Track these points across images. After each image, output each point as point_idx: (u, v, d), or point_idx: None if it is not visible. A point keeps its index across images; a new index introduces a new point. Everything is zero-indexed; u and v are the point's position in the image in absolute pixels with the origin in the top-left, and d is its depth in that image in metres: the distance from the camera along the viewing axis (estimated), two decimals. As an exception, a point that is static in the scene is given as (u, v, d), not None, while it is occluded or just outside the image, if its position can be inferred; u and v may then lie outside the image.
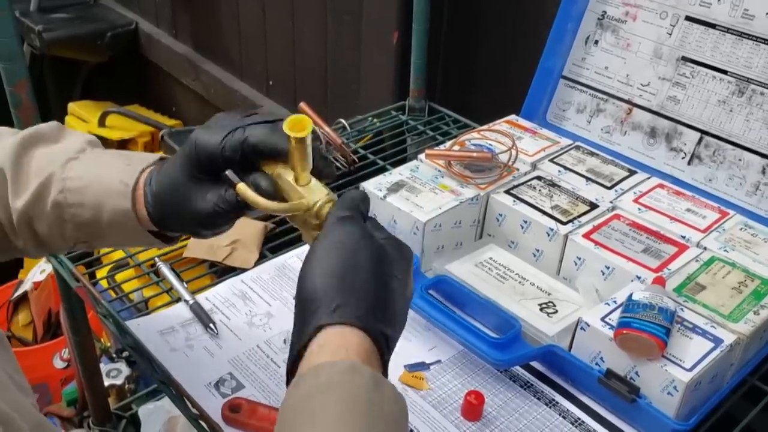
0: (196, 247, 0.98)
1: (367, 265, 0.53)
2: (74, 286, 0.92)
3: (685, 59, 0.96)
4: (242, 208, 0.62)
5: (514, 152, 0.94)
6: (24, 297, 1.82)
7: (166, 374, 0.77)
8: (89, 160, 0.68)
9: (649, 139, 1.00)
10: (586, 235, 0.84)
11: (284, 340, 0.82)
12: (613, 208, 0.89)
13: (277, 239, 0.98)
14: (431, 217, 0.85)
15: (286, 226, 0.98)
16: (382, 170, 1.06)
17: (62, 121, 1.87)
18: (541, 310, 0.81)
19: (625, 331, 0.69)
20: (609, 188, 0.93)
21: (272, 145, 0.59)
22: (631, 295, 0.72)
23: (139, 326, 0.83)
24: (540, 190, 0.91)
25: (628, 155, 1.01)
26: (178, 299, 0.88)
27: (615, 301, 0.75)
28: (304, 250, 0.86)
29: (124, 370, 1.43)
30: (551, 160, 0.97)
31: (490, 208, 0.91)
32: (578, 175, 0.95)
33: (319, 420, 0.46)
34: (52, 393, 1.66)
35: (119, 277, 1.10)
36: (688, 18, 0.95)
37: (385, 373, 0.52)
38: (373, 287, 0.52)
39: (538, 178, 0.94)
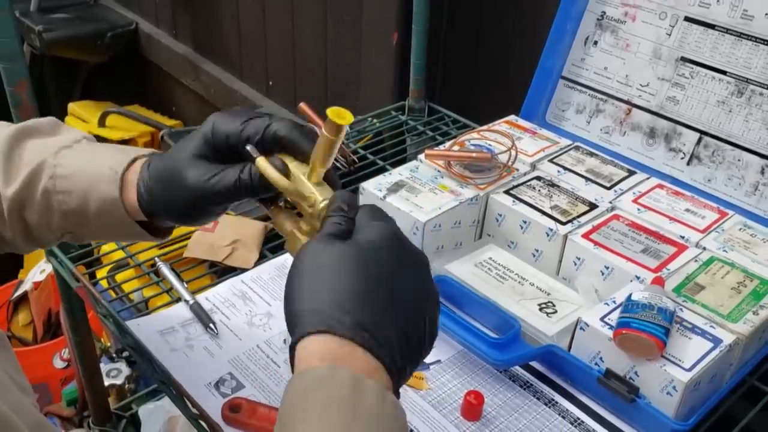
0: (196, 247, 0.98)
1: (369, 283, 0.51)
2: (74, 286, 0.92)
3: (684, 60, 0.96)
4: (252, 189, 0.61)
5: (513, 152, 0.94)
6: (24, 297, 1.82)
7: (166, 374, 0.77)
8: (83, 149, 0.68)
9: (649, 140, 1.00)
10: (586, 235, 0.84)
11: (284, 340, 0.82)
12: (613, 209, 0.89)
13: (277, 239, 0.98)
14: (431, 218, 0.85)
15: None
16: (382, 170, 1.06)
17: (62, 121, 1.87)
18: (540, 310, 0.81)
19: (624, 331, 0.69)
20: (608, 188, 0.93)
21: (294, 138, 0.60)
22: (630, 295, 0.73)
23: (139, 326, 0.83)
24: (539, 191, 0.91)
25: (628, 155, 1.01)
26: (178, 299, 0.88)
27: (614, 301, 0.75)
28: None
29: (124, 370, 1.43)
30: (551, 161, 0.98)
31: (489, 208, 0.91)
32: (577, 175, 0.95)
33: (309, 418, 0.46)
34: (52, 393, 1.66)
35: (119, 277, 1.10)
36: (687, 18, 0.95)
37: (392, 384, 0.50)
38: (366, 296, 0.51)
39: (538, 178, 0.94)
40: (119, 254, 1.01)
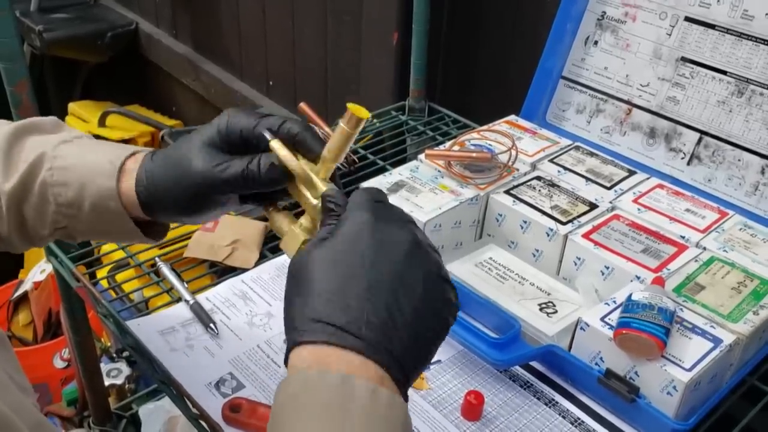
0: (196, 247, 0.98)
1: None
2: (74, 285, 0.92)
3: (684, 60, 0.96)
4: (259, 181, 0.60)
5: (513, 152, 0.94)
6: (24, 297, 1.82)
7: (167, 374, 0.77)
8: (83, 143, 0.68)
9: (649, 140, 1.00)
10: (586, 235, 0.84)
11: (284, 340, 0.82)
12: (613, 209, 0.89)
13: (278, 239, 0.98)
14: (431, 218, 0.85)
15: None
16: (382, 170, 1.06)
17: (62, 120, 1.86)
18: (540, 310, 0.81)
19: (624, 331, 0.69)
20: (608, 188, 0.93)
21: (307, 138, 0.60)
22: (630, 295, 0.73)
23: (139, 326, 0.83)
24: (540, 191, 0.91)
25: (628, 155, 1.01)
26: (179, 299, 0.88)
27: (614, 301, 0.75)
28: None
29: (125, 369, 1.43)
30: (551, 161, 0.98)
31: (489, 208, 0.91)
32: (578, 175, 0.95)
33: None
34: (53, 393, 1.66)
35: (119, 277, 1.10)
36: (687, 18, 0.95)
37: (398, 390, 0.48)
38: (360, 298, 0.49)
39: (538, 178, 0.94)
40: (119, 254, 1.01)
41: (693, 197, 0.92)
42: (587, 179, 0.94)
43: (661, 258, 0.81)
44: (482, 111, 1.22)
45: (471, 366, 0.79)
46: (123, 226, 0.66)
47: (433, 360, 0.78)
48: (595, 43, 1.04)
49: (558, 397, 0.75)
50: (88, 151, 0.67)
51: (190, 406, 0.75)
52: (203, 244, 0.98)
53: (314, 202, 0.59)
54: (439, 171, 0.93)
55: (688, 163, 0.96)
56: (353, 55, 1.47)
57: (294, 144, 0.61)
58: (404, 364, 0.48)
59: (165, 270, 0.92)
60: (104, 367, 1.40)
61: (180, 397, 0.76)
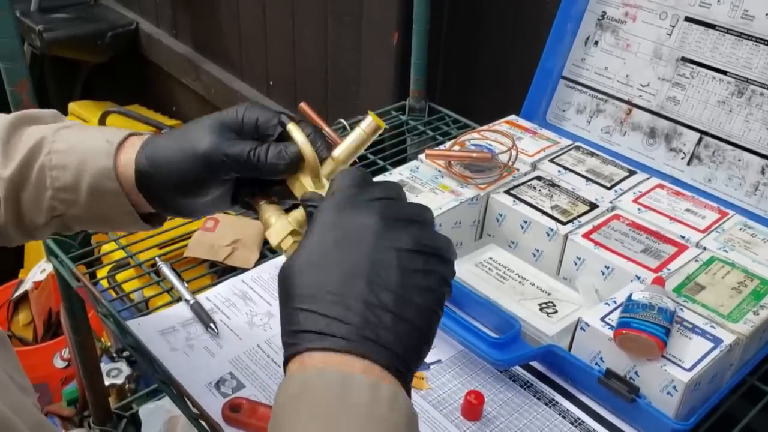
0: (196, 247, 0.98)
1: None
2: (75, 285, 0.92)
3: (684, 60, 0.96)
4: (263, 166, 0.60)
5: (514, 152, 0.94)
6: (24, 297, 1.82)
7: (167, 374, 0.77)
8: (84, 128, 0.67)
9: (649, 140, 1.00)
10: (586, 235, 0.84)
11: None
12: (613, 209, 0.89)
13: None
14: (431, 217, 0.85)
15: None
16: (382, 170, 1.06)
17: (63, 121, 1.87)
18: (540, 310, 0.81)
19: (624, 331, 0.69)
20: (609, 188, 0.93)
21: (318, 140, 0.61)
22: (630, 295, 0.73)
23: (139, 326, 0.83)
24: (540, 191, 0.91)
25: (628, 155, 1.01)
26: (179, 299, 0.88)
27: (615, 301, 0.75)
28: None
29: (125, 369, 1.43)
30: (551, 161, 0.98)
31: (490, 208, 0.91)
32: (578, 175, 0.95)
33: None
34: (53, 392, 1.66)
35: (120, 276, 1.10)
36: (687, 18, 0.95)
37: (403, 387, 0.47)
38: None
39: (538, 178, 0.94)
40: (120, 254, 1.01)
41: (693, 197, 0.92)
42: (587, 179, 0.94)
43: (661, 258, 0.81)
44: (482, 111, 1.22)
45: (471, 366, 0.79)
46: (120, 208, 0.65)
47: (433, 360, 0.79)
48: (596, 43, 1.04)
49: (558, 397, 0.76)
50: (88, 135, 0.66)
51: (191, 405, 0.75)
52: (203, 244, 0.98)
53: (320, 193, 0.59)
54: (439, 171, 0.94)
55: (689, 163, 0.96)
56: (353, 56, 1.47)
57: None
58: (399, 352, 0.47)
59: (165, 270, 0.92)
60: (104, 366, 1.40)
61: (180, 396, 0.76)
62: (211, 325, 0.83)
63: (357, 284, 0.48)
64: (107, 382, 1.38)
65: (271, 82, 1.78)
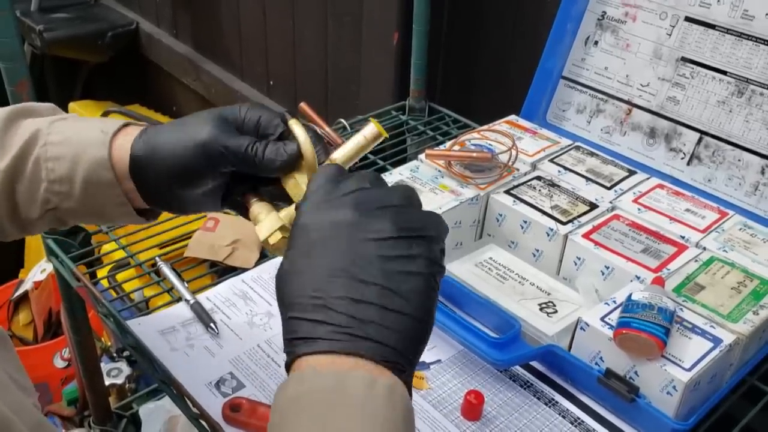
0: (196, 247, 0.98)
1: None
2: (75, 285, 0.92)
3: (684, 60, 0.96)
4: (259, 162, 0.60)
5: (514, 152, 0.94)
6: (24, 296, 1.82)
7: (167, 374, 0.77)
8: (80, 119, 0.67)
9: (649, 140, 1.00)
10: (586, 235, 0.84)
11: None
12: (613, 209, 0.90)
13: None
14: (431, 217, 0.85)
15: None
16: (383, 170, 1.06)
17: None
18: (540, 310, 0.81)
19: (624, 331, 0.69)
20: (609, 188, 0.93)
21: (319, 142, 0.62)
22: (630, 295, 0.73)
23: (139, 326, 0.83)
24: (540, 190, 0.91)
25: (628, 155, 1.01)
26: (179, 299, 0.88)
27: (614, 301, 0.75)
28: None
29: (125, 369, 1.43)
30: (551, 161, 0.98)
31: (490, 208, 0.91)
32: (578, 175, 0.95)
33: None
34: (53, 392, 1.66)
35: (120, 276, 1.10)
36: (687, 18, 0.95)
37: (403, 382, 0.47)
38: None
39: (538, 178, 0.94)
40: (120, 254, 1.01)
41: (693, 197, 0.92)
42: (587, 179, 0.94)
43: (661, 258, 0.81)
44: (482, 111, 1.22)
45: (471, 366, 0.79)
46: (114, 199, 0.64)
47: (433, 360, 0.79)
48: (596, 43, 1.04)
49: (558, 397, 0.76)
50: (84, 126, 0.65)
51: (191, 405, 0.75)
52: (204, 243, 0.98)
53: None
54: (439, 171, 0.94)
55: (688, 163, 0.96)
56: (353, 56, 1.47)
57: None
58: (391, 344, 0.46)
59: (165, 270, 0.92)
60: (104, 366, 1.40)
61: (180, 396, 0.76)
62: (211, 325, 0.83)
63: (339, 283, 0.47)
64: (107, 381, 1.38)
65: (271, 82, 1.78)
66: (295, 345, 0.47)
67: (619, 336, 0.70)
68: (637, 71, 1.00)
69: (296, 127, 0.61)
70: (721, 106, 0.93)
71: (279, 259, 0.53)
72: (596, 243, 0.83)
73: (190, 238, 1.00)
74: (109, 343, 1.52)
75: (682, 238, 0.84)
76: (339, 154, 0.60)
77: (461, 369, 0.79)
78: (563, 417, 0.74)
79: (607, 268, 0.81)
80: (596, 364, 0.74)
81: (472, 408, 0.73)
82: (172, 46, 2.05)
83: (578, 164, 0.97)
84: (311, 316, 0.47)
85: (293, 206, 0.59)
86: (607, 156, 1.00)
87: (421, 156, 0.96)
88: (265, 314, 0.86)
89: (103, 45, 2.11)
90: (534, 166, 0.97)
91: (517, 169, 0.95)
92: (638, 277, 0.78)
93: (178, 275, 0.92)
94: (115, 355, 1.46)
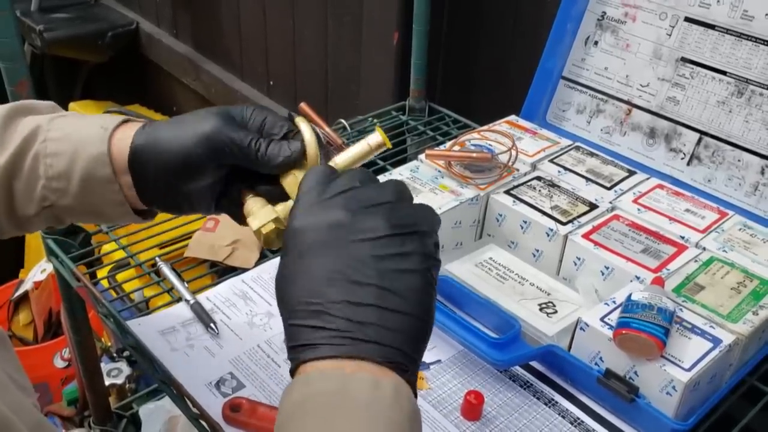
0: (196, 247, 0.98)
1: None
2: (75, 285, 0.92)
3: (684, 60, 0.96)
4: (261, 157, 0.60)
5: (513, 153, 0.94)
6: (25, 296, 1.82)
7: (167, 374, 0.77)
8: (80, 115, 0.67)
9: (649, 140, 1.00)
10: (586, 236, 0.84)
11: (284, 340, 0.82)
12: (613, 209, 0.90)
13: (278, 239, 0.98)
14: (431, 218, 0.85)
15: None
16: (382, 170, 1.06)
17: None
18: (540, 310, 0.81)
19: (624, 331, 0.69)
20: (608, 189, 0.93)
21: (322, 146, 0.62)
22: (630, 295, 0.73)
23: (139, 326, 0.83)
24: (540, 191, 0.91)
25: (628, 156, 1.01)
26: (179, 299, 0.88)
27: (614, 302, 0.75)
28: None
29: (125, 369, 1.43)
30: (551, 161, 0.98)
31: (489, 208, 0.91)
32: (578, 175, 0.95)
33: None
34: (53, 392, 1.66)
35: (120, 276, 1.10)
36: (687, 19, 0.95)
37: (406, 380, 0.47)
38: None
39: (538, 178, 0.94)
40: (120, 254, 1.01)
41: (693, 197, 0.92)
42: (587, 179, 0.94)
43: (661, 258, 0.81)
44: (482, 111, 1.22)
45: (471, 366, 0.79)
46: (111, 196, 0.64)
47: (433, 360, 0.79)
48: (595, 43, 1.04)
49: (558, 397, 0.76)
50: (84, 122, 0.65)
51: (191, 405, 0.75)
52: (204, 244, 0.98)
53: None
54: (439, 171, 0.94)
55: (688, 164, 0.96)
56: (353, 56, 1.47)
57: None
58: (391, 344, 0.46)
59: (165, 270, 0.92)
60: (104, 366, 1.40)
61: (180, 396, 0.76)
62: (211, 325, 0.83)
63: (335, 287, 0.47)
64: (107, 382, 1.38)
65: (271, 82, 1.78)
66: (298, 352, 0.47)
67: (619, 336, 0.70)
68: (637, 71, 1.00)
69: (303, 124, 0.62)
70: (720, 106, 0.93)
71: (279, 260, 0.53)
72: (596, 243, 0.83)
73: (190, 238, 1.00)
74: (109, 343, 1.52)
75: (682, 238, 0.85)
76: (340, 159, 0.60)
77: (461, 369, 0.79)
78: (563, 417, 0.74)
79: (607, 268, 0.81)
80: (596, 364, 0.74)
81: (472, 408, 0.73)
82: (172, 46, 2.05)
83: (578, 164, 0.97)
84: (311, 322, 0.47)
85: (290, 201, 0.59)
86: (607, 156, 1.00)
87: (421, 156, 0.96)
88: (265, 314, 0.86)
89: (103, 45, 2.11)
90: (534, 167, 0.97)
91: (517, 170, 0.95)
92: (638, 278, 0.79)
93: (178, 275, 0.92)
94: (115, 355, 1.46)
